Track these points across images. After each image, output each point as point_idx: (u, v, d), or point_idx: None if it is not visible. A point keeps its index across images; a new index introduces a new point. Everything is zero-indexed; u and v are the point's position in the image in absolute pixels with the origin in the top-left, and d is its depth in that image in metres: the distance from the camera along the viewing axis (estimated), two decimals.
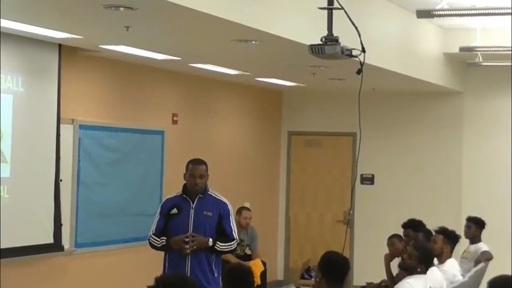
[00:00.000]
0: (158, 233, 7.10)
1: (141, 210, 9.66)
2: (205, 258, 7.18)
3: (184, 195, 7.16)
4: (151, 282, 4.36)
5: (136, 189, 10.05)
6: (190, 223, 7.05)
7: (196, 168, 7.14)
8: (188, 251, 6.96)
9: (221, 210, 7.26)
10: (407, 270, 7.37)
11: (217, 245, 7.11)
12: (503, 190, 12.21)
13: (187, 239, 6.96)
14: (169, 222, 7.11)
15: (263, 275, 10.24)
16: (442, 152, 12.66)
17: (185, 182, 7.19)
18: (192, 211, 7.08)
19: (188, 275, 6.87)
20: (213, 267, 7.19)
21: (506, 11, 8.85)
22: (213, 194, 7.27)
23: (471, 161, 12.57)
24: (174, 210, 7.11)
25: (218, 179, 11.17)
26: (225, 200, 7.34)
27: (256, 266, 9.64)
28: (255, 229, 10.76)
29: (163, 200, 7.54)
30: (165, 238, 7.03)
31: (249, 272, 5.35)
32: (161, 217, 7.16)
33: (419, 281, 7.11)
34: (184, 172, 7.17)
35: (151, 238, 7.12)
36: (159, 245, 7.07)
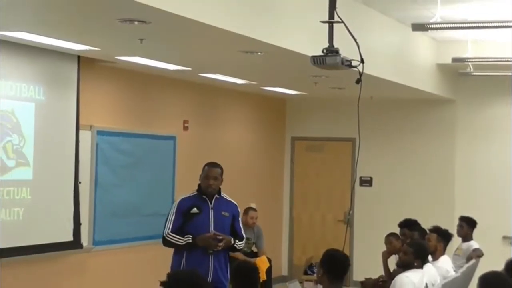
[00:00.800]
0: (176, 231, 7.00)
1: (154, 210, 9.65)
2: (223, 256, 7.22)
3: (203, 196, 7.13)
4: (163, 278, 4.29)
5: (150, 191, 10.05)
6: (211, 223, 7.05)
7: (211, 170, 7.18)
8: (216, 249, 6.96)
9: (234, 211, 7.31)
10: (404, 266, 7.33)
11: (236, 243, 7.18)
12: (493, 192, 12.26)
13: (220, 237, 6.95)
14: (189, 221, 7.05)
15: (269, 271, 10.24)
16: (436, 156, 12.66)
17: (199, 183, 7.17)
18: (211, 211, 7.09)
19: (211, 272, 6.89)
20: (227, 265, 7.21)
21: (495, 24, 8.84)
22: (224, 196, 7.29)
23: (463, 164, 12.58)
24: (195, 210, 7.06)
25: (226, 182, 11.12)
26: (235, 202, 7.40)
27: (262, 263, 9.61)
28: (260, 228, 10.74)
29: (178, 200, 7.40)
30: (190, 236, 6.93)
31: (255, 269, 5.32)
32: (178, 216, 7.06)
33: (416, 274, 7.09)
34: (200, 173, 7.17)
35: (169, 236, 7.01)
36: (182, 243, 6.95)
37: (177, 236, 6.97)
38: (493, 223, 11.31)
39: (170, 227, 7.01)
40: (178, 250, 7.06)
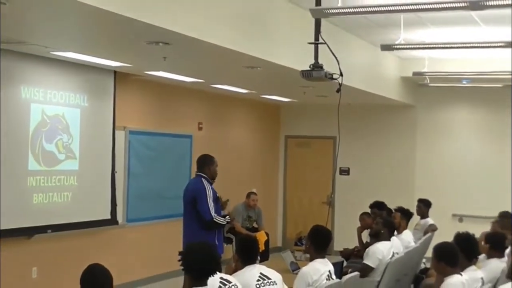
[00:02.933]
0: (217, 213, 6.78)
1: (174, 194, 9.59)
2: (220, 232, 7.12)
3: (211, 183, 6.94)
4: (181, 249, 4.30)
5: (170, 179, 10.03)
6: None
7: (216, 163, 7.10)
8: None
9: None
10: (375, 235, 7.39)
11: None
12: (445, 180, 12.23)
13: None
14: (216, 205, 6.88)
15: (267, 243, 10.24)
16: (401, 151, 12.63)
17: (199, 171, 6.99)
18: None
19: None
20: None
21: (446, 45, 8.84)
22: None
23: (422, 158, 12.55)
24: (218, 195, 6.95)
25: (233, 172, 11.28)
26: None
27: (261, 236, 9.62)
28: (260, 209, 10.75)
29: (208, 187, 6.89)
30: (227, 215, 6.90)
31: (255, 241, 5.29)
32: (213, 201, 6.78)
33: (385, 245, 7.12)
34: (210, 165, 6.99)
35: (217, 218, 6.75)
36: (224, 222, 6.81)
37: (220, 218, 6.80)
38: (444, 204, 11.30)
39: (213, 211, 6.73)
40: (215, 228, 6.81)
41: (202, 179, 6.90)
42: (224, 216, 6.91)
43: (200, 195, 6.77)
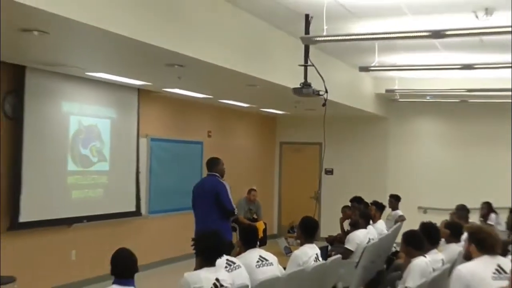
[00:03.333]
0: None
1: (187, 190, 9.52)
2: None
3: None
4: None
5: (185, 178, 9.94)
6: None
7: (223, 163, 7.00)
8: None
9: None
10: (354, 224, 7.42)
11: None
12: (412, 179, 12.19)
13: None
14: None
15: (265, 231, 10.19)
16: (375, 155, 12.62)
17: (212, 171, 6.88)
18: None
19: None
20: None
21: (414, 68, 8.85)
22: None
23: (393, 160, 12.54)
24: None
25: (236, 172, 11.26)
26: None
27: (260, 226, 9.56)
28: (259, 203, 10.69)
29: (228, 184, 6.79)
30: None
31: (255, 229, 5.30)
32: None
33: (363, 232, 7.13)
34: (220, 165, 6.87)
35: (236, 211, 6.76)
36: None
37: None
38: (411, 198, 11.26)
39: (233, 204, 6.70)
40: (232, 217, 6.76)
41: (217, 177, 6.80)
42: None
43: (222, 191, 6.65)
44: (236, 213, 6.83)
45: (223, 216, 6.63)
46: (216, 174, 6.82)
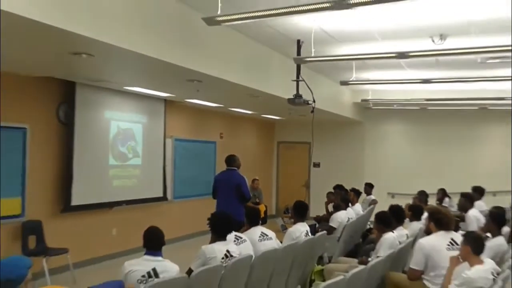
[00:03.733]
0: None
1: (203, 180, 9.60)
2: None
3: None
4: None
5: (201, 171, 10.00)
6: None
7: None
8: None
9: None
10: (336, 207, 7.38)
11: None
12: (383, 171, 12.14)
13: None
14: None
15: (265, 212, 10.21)
16: (353, 151, 12.58)
17: (236, 166, 6.77)
18: None
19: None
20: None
21: (383, 82, 8.83)
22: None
23: (368, 156, 12.50)
24: None
25: (243, 166, 11.10)
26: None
27: (261, 208, 9.58)
28: (261, 189, 10.70)
29: (245, 177, 6.69)
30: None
31: (258, 210, 5.31)
32: None
33: (343, 213, 7.11)
34: (237, 162, 6.77)
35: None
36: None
37: None
38: (382, 186, 11.24)
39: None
40: (246, 203, 6.54)
41: (237, 171, 6.70)
42: None
43: (243, 183, 6.60)
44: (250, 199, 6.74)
45: (241, 202, 6.59)
46: (235, 168, 6.74)
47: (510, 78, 7.48)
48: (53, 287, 2.69)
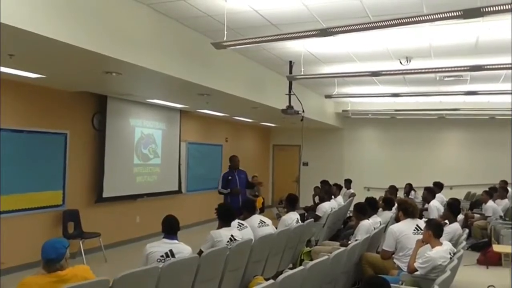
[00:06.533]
0: (223, 187, 6.62)
1: (212, 177, 9.54)
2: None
3: (232, 170, 6.80)
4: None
5: (210, 169, 9.94)
6: (237, 182, 6.75)
7: (237, 158, 6.95)
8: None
9: (245, 175, 6.95)
10: (322, 199, 7.33)
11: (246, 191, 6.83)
12: (360, 168, 12.09)
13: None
14: (227, 182, 6.66)
15: (263, 203, 10.12)
16: (335, 153, 12.51)
17: (229, 164, 6.86)
18: (237, 177, 6.76)
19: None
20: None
21: (360, 95, 8.82)
22: (240, 168, 6.91)
23: (347, 156, 12.44)
24: (230, 177, 6.72)
25: (244, 165, 11.00)
26: (244, 170, 7.04)
27: (260, 200, 9.53)
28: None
29: (222, 173, 6.90)
30: (229, 189, 6.62)
31: (253, 201, 5.33)
32: (223, 180, 6.66)
33: (327, 204, 7.06)
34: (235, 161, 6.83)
35: (221, 190, 6.62)
36: (226, 193, 6.59)
37: (223, 189, 6.65)
38: (359, 181, 11.26)
39: (220, 186, 6.65)
40: (225, 195, 6.70)
41: (242, 170, 6.83)
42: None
43: (247, 178, 6.86)
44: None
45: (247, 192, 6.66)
46: (241, 169, 6.81)
47: (463, 92, 7.57)
48: (78, 266, 2.69)
